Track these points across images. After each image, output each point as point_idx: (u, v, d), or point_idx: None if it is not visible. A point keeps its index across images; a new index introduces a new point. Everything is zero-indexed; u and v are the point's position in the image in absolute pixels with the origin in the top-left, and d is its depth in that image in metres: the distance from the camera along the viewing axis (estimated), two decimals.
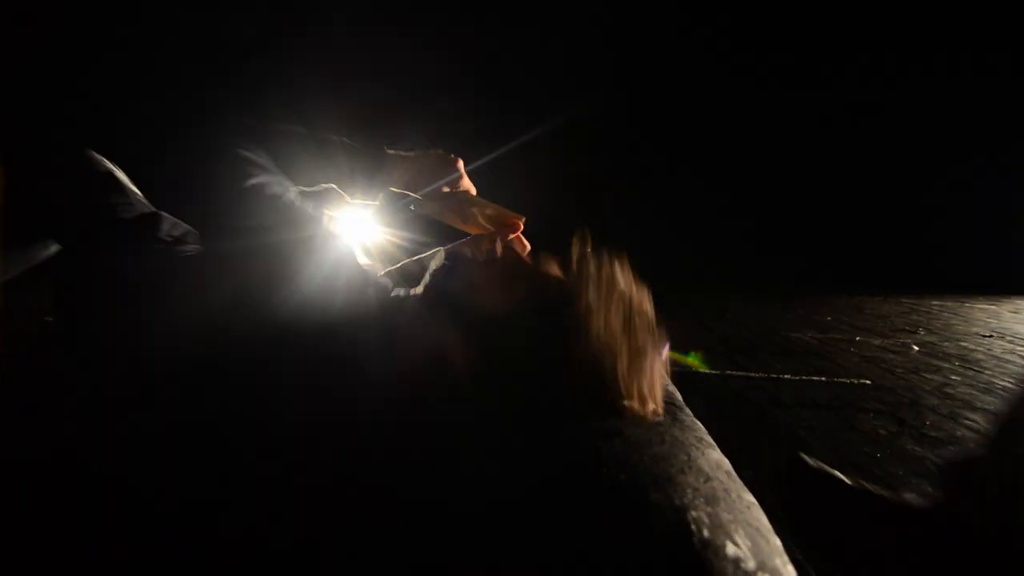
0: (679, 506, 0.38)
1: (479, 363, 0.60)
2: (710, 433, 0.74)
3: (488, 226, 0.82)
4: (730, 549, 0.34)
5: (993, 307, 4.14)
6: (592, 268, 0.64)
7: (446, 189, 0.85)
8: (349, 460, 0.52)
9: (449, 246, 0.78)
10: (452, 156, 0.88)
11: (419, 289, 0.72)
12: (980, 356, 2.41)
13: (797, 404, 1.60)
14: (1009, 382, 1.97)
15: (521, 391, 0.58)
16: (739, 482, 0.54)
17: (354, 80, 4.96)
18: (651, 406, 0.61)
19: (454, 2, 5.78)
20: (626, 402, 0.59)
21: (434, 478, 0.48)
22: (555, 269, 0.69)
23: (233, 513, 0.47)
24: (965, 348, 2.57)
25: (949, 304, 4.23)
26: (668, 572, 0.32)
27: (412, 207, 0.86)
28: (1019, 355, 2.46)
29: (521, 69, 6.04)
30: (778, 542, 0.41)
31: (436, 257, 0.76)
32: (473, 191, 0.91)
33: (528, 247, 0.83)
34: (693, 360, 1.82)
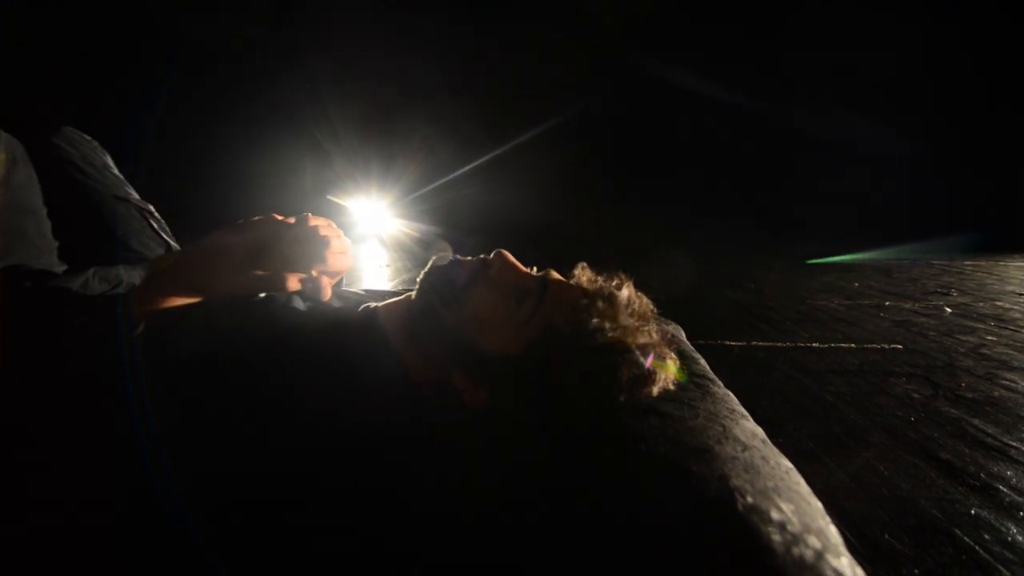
0: (721, 475, 0.39)
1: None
2: (740, 403, 0.75)
3: None
4: (774, 513, 0.35)
5: None
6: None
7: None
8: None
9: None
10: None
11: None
12: (1017, 315, 2.33)
13: (826, 371, 1.59)
14: None
15: (548, 378, 0.58)
16: (775, 449, 0.55)
17: (362, 78, 4.95)
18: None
19: (456, 3, 5.72)
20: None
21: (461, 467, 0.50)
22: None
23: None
24: (1000, 307, 2.49)
25: (983, 264, 4.08)
26: (717, 537, 0.33)
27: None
28: None
29: (521, 70, 6.00)
30: (819, 504, 0.42)
31: (441, 253, 0.74)
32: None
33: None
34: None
